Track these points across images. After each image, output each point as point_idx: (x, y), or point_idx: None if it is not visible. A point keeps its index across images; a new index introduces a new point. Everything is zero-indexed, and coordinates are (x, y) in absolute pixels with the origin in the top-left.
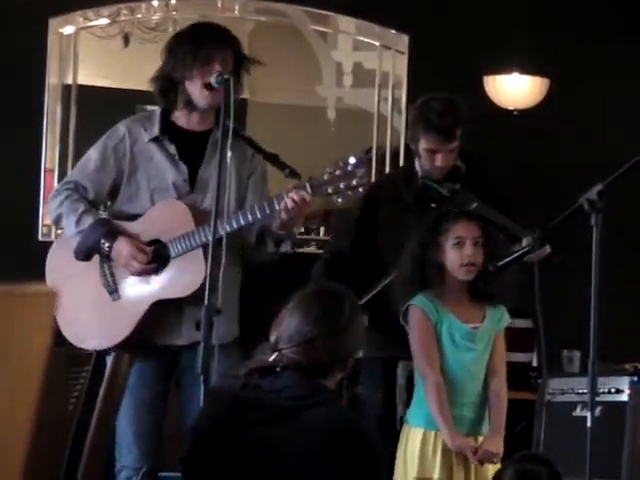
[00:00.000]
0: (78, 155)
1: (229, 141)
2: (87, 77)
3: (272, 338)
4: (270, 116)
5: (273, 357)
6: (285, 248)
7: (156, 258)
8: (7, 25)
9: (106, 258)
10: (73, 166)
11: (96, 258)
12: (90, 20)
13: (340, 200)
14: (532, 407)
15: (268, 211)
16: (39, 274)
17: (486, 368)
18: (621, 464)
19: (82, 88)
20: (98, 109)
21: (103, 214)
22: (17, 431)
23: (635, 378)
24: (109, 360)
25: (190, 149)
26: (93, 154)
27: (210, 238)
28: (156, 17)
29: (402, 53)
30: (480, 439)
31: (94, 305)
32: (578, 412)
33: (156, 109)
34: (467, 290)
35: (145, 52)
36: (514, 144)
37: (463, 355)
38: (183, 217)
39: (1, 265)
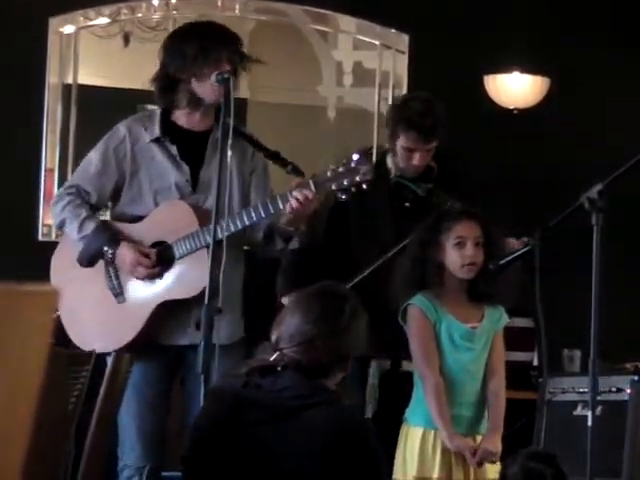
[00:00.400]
0: (78, 155)
1: (229, 141)
2: (87, 77)
3: (273, 337)
4: (270, 115)
5: (274, 356)
6: (294, 244)
7: (161, 259)
8: (7, 25)
9: (111, 262)
10: (73, 166)
11: (101, 261)
12: (90, 19)
13: (344, 197)
14: (533, 406)
15: (272, 210)
16: (39, 274)
17: (485, 368)
18: (622, 463)
19: (82, 88)
20: (98, 109)
21: (105, 216)
22: (17, 430)
23: (636, 377)
24: (109, 359)
25: (191, 149)
26: (94, 156)
27: (215, 238)
28: (156, 16)
29: (402, 53)
30: (479, 438)
31: (99, 308)
32: (579, 411)
33: (156, 109)
34: (466, 290)
35: (145, 51)
36: (514, 143)
37: (462, 355)
38: (187, 218)
39: (1, 265)
